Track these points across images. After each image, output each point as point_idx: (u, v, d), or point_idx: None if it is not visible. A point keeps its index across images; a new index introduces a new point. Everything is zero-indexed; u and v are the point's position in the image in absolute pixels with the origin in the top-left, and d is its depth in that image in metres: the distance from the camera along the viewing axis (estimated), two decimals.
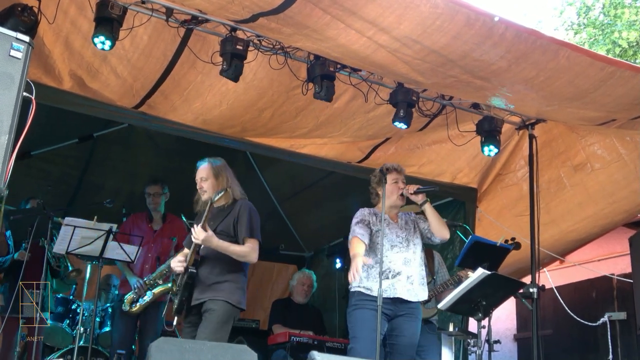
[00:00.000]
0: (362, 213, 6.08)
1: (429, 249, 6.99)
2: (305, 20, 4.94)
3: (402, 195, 6.01)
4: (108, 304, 8.36)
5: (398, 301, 5.79)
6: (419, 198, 5.96)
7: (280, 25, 5.16)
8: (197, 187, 5.99)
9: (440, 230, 6.02)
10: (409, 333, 5.83)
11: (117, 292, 8.17)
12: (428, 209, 5.96)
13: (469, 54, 5.13)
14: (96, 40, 5.42)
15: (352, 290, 5.94)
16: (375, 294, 5.54)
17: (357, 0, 4.61)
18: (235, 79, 5.83)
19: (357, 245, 5.77)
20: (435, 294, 6.84)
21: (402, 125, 6.52)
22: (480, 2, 4.75)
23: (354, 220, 6.04)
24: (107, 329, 8.06)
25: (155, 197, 7.60)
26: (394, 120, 6.53)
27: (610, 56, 17.15)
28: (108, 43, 5.43)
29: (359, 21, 4.83)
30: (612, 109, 5.98)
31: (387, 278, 5.80)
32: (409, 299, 5.82)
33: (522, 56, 5.14)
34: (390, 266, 5.83)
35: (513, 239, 6.74)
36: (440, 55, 5.20)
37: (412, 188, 5.97)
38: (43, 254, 6.89)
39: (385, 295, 5.64)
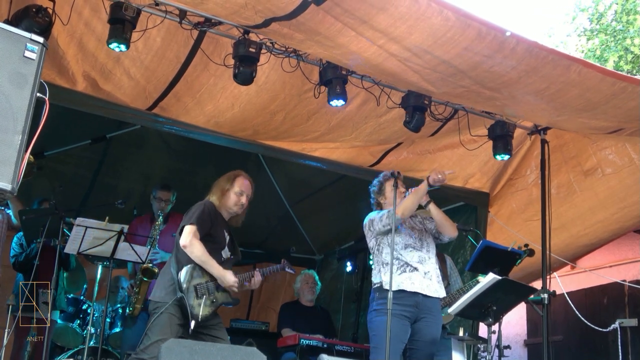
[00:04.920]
0: (375, 212, 6.10)
1: (440, 253, 6.97)
2: (317, 27, 4.95)
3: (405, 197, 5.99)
4: (118, 305, 8.38)
5: (419, 298, 5.76)
6: (423, 199, 5.97)
7: (293, 31, 5.17)
8: (240, 203, 5.84)
9: (447, 228, 6.05)
10: (428, 337, 5.79)
11: (126, 293, 8.20)
12: (433, 208, 6.02)
13: (479, 66, 5.15)
14: (112, 46, 5.48)
15: (375, 285, 5.93)
16: (395, 287, 5.54)
17: (369, 9, 4.62)
18: (245, 82, 5.86)
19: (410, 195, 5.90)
20: (451, 300, 6.81)
21: (412, 128, 6.53)
22: (495, 17, 4.76)
23: (377, 217, 6.05)
24: (118, 329, 8.07)
25: (165, 202, 7.60)
26: (406, 125, 6.54)
27: (622, 63, 17.15)
28: (123, 47, 5.49)
29: (370, 30, 4.84)
30: (622, 119, 5.99)
31: (405, 272, 5.79)
32: (429, 294, 5.79)
33: (532, 70, 5.15)
34: (407, 262, 5.83)
35: (526, 245, 6.72)
36: (451, 66, 5.21)
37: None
38: (54, 254, 6.91)
39: (402, 288, 5.64)
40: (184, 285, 5.36)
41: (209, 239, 5.55)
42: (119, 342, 7.83)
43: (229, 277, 5.53)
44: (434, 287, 5.86)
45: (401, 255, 5.85)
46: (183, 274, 5.39)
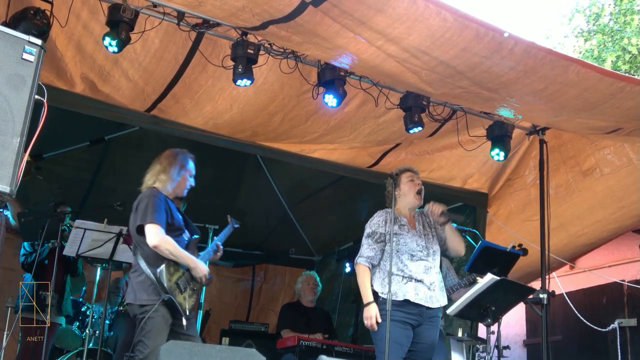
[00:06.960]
0: (377, 223, 5.91)
1: None
2: (315, 29, 4.94)
3: (418, 194, 5.94)
4: (117, 307, 8.38)
5: (423, 309, 5.70)
6: (441, 219, 5.92)
7: (290, 34, 5.16)
8: (190, 185, 5.70)
9: (457, 248, 5.98)
10: (429, 340, 5.75)
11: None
12: (449, 229, 5.92)
13: (477, 66, 5.14)
14: (105, 42, 5.45)
15: (376, 293, 5.87)
16: (399, 298, 5.53)
17: (367, 10, 4.61)
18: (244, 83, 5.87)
19: (365, 279, 5.78)
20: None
21: (417, 129, 6.53)
22: (493, 18, 4.76)
23: (366, 231, 5.92)
24: None
25: None
26: (407, 127, 6.53)
27: (620, 62, 17.15)
28: (114, 43, 5.43)
29: (368, 31, 4.84)
30: (621, 119, 5.98)
31: (410, 282, 5.73)
32: (431, 306, 5.74)
33: (530, 70, 5.14)
34: (412, 274, 5.76)
35: (520, 245, 6.72)
36: (449, 67, 5.21)
37: (439, 209, 5.87)
38: (54, 256, 6.91)
39: (407, 298, 5.61)
40: (167, 284, 5.15)
41: (169, 229, 5.33)
42: None
43: (201, 267, 5.39)
44: (436, 298, 5.79)
45: (407, 266, 5.73)
46: (162, 273, 5.16)
